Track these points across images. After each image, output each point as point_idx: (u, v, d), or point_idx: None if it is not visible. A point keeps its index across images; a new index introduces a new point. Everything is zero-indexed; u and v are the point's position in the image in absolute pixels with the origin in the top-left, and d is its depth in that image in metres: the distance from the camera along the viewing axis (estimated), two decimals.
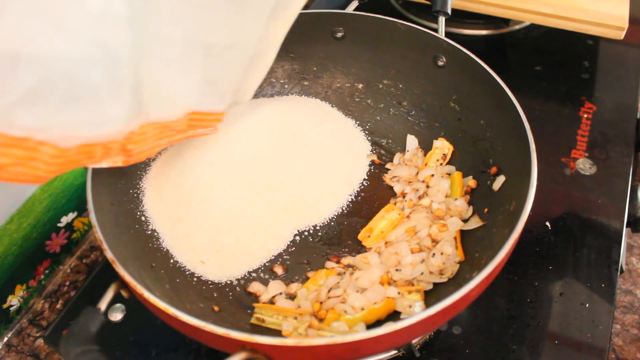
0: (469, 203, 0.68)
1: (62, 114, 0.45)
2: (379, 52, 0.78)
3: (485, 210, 0.65)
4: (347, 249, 0.68)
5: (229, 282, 0.64)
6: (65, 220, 0.79)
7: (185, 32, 0.52)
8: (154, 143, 0.56)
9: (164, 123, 0.56)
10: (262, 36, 0.60)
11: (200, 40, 0.54)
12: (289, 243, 0.68)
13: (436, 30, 0.73)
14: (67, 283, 0.79)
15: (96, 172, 0.59)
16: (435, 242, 0.64)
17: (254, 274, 0.65)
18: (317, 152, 0.72)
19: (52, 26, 0.41)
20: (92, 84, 0.46)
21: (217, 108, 0.62)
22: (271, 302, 0.62)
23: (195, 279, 0.64)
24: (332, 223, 0.70)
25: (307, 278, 0.64)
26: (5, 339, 0.74)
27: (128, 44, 0.47)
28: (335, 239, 0.68)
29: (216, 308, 0.61)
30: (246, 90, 0.65)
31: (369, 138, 0.79)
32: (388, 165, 0.76)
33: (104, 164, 0.52)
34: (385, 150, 0.78)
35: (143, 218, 0.66)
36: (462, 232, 0.65)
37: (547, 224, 0.75)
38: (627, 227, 0.76)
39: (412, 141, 0.77)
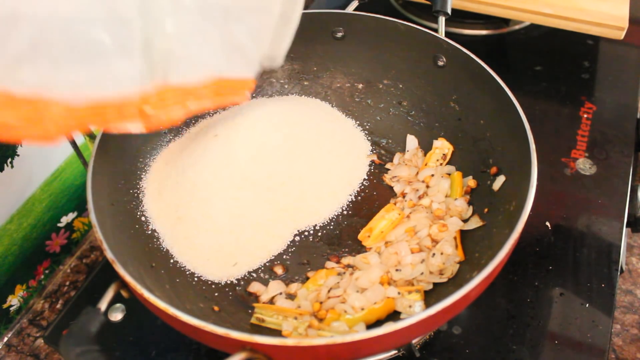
0: (469, 203, 0.68)
1: (66, 70, 0.45)
2: (379, 52, 0.78)
3: (485, 210, 0.65)
4: (347, 249, 0.68)
5: (229, 282, 0.64)
6: (65, 220, 0.79)
7: None
8: (177, 109, 0.55)
9: (186, 88, 0.55)
10: (285, 1, 0.59)
11: (217, 3, 0.54)
12: (289, 243, 0.68)
13: (436, 30, 0.73)
14: (67, 283, 0.79)
15: (96, 172, 0.59)
16: (435, 242, 0.64)
17: (254, 274, 0.65)
18: (317, 152, 0.72)
19: None
20: (95, 41, 0.46)
21: (246, 75, 0.61)
22: (271, 302, 0.62)
23: (195, 279, 0.64)
24: (332, 223, 0.70)
25: (307, 278, 0.64)
26: (5, 339, 0.74)
27: (135, 3, 0.47)
28: (335, 239, 0.68)
29: (216, 308, 0.61)
30: (276, 55, 0.64)
31: (369, 138, 0.79)
32: (388, 165, 0.76)
33: (123, 128, 0.51)
34: (385, 150, 0.78)
35: (143, 218, 0.66)
36: (462, 232, 0.65)
37: (547, 224, 0.75)
38: (627, 227, 0.76)
39: (412, 141, 0.77)
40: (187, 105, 0.56)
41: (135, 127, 0.52)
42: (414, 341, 0.62)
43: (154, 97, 0.52)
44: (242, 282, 0.64)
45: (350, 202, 0.72)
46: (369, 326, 0.57)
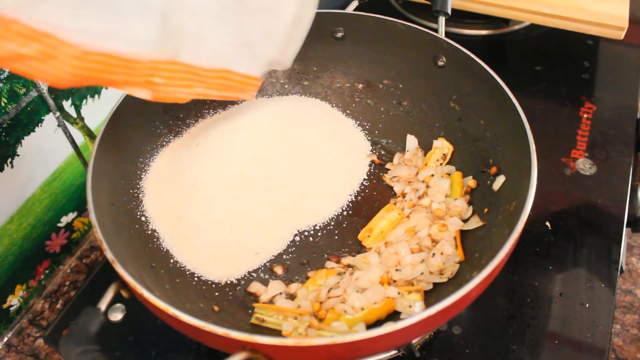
0: (469, 203, 0.68)
1: (83, 15, 0.46)
2: (379, 52, 0.78)
3: (485, 210, 0.65)
4: (347, 249, 0.68)
5: (229, 282, 0.64)
6: (65, 220, 0.79)
7: None
8: (184, 88, 0.56)
9: (195, 70, 0.56)
10: (299, 4, 0.60)
11: None
12: (289, 243, 0.68)
13: (436, 30, 0.73)
14: (67, 283, 0.79)
15: (96, 172, 0.59)
16: (435, 242, 0.64)
17: (254, 274, 0.65)
18: (317, 152, 0.72)
19: None
20: None
21: (253, 72, 0.62)
22: (271, 302, 0.62)
23: (195, 279, 0.64)
24: (332, 223, 0.70)
25: (307, 278, 0.64)
26: (5, 339, 0.74)
27: None
28: (335, 239, 0.68)
29: (216, 308, 0.61)
30: (284, 58, 0.65)
31: (369, 138, 0.79)
32: (388, 165, 0.76)
33: (129, 90, 0.52)
34: (385, 150, 0.78)
35: (143, 218, 0.66)
36: (462, 232, 0.65)
37: (547, 224, 0.75)
38: (627, 227, 0.76)
39: (412, 141, 0.77)
40: (193, 87, 0.57)
41: (142, 93, 0.53)
42: (414, 341, 0.62)
43: (162, 69, 0.53)
44: (242, 282, 0.64)
45: (350, 202, 0.72)
46: (369, 326, 0.57)
